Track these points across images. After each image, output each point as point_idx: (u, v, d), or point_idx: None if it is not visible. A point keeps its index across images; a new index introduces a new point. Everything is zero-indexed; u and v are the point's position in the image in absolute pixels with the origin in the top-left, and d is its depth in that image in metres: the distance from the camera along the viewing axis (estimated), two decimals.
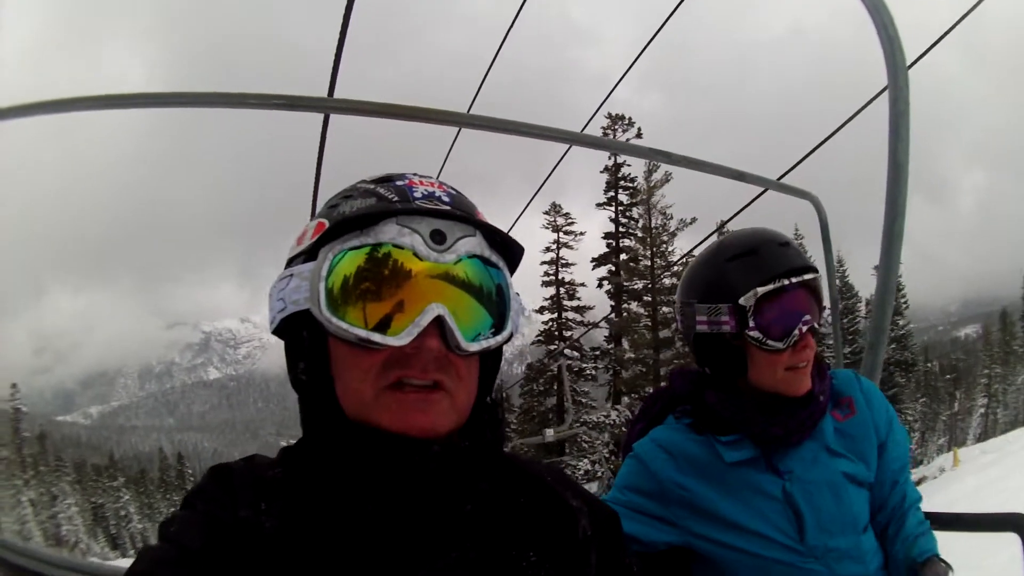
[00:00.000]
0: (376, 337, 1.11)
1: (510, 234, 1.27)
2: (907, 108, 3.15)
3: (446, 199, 1.23)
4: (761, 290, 2.04)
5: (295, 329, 1.23)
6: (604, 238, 45.04)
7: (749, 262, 2.11)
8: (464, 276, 1.19)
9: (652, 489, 2.20)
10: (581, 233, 45.03)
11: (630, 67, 6.08)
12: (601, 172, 43.72)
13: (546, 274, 46.37)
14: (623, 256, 43.42)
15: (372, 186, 1.25)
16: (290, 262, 1.26)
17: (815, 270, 2.11)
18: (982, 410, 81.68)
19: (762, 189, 4.63)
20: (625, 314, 42.53)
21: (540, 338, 46.90)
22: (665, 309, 41.58)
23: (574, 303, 46.13)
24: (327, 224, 1.19)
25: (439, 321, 1.13)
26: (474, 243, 1.20)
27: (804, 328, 2.05)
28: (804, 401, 2.12)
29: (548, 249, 46.28)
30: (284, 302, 1.20)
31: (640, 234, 43.17)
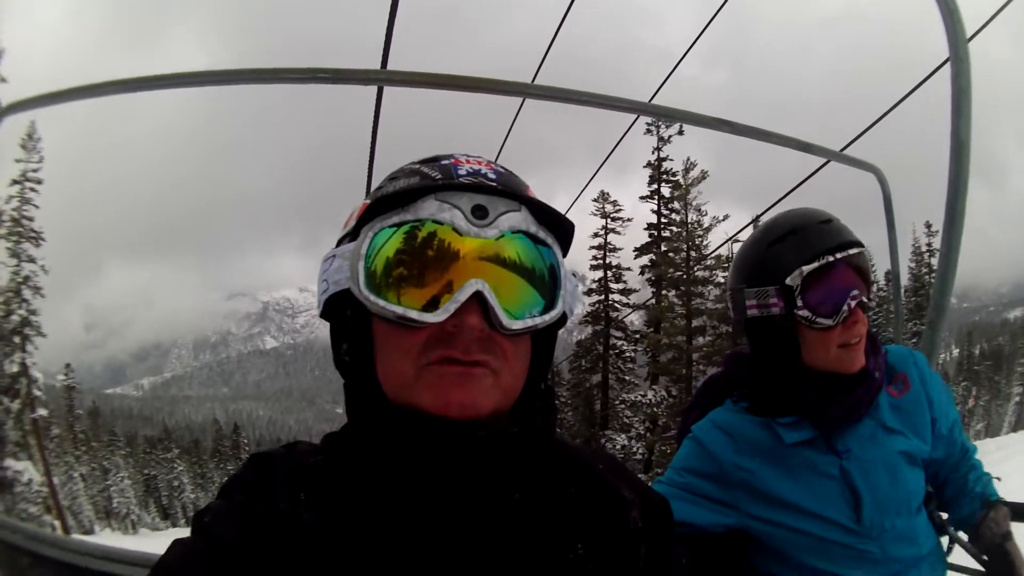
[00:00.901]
0: (413, 314, 1.08)
1: (561, 211, 1.21)
2: (968, 83, 3.11)
3: (492, 176, 1.18)
4: (806, 269, 2.04)
5: (340, 310, 1.21)
6: (646, 229, 45.35)
7: (792, 242, 2.10)
8: (509, 252, 1.14)
9: (712, 471, 2.19)
10: (629, 219, 45.80)
11: (695, 41, 5.98)
12: (644, 167, 44.37)
13: (594, 258, 46.60)
14: (663, 247, 44.39)
15: (417, 166, 1.22)
16: (338, 244, 1.23)
17: (860, 245, 2.07)
18: (1017, 398, 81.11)
19: (823, 161, 4.56)
20: (664, 302, 43.49)
21: (587, 319, 47.36)
22: (698, 300, 42.84)
23: (620, 286, 46.22)
24: (370, 203, 1.16)
25: (481, 298, 1.09)
26: (518, 218, 1.15)
27: (853, 303, 2.02)
28: (860, 379, 2.10)
29: (596, 234, 46.23)
30: (328, 283, 1.18)
31: (676, 228, 44.21)
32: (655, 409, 41.51)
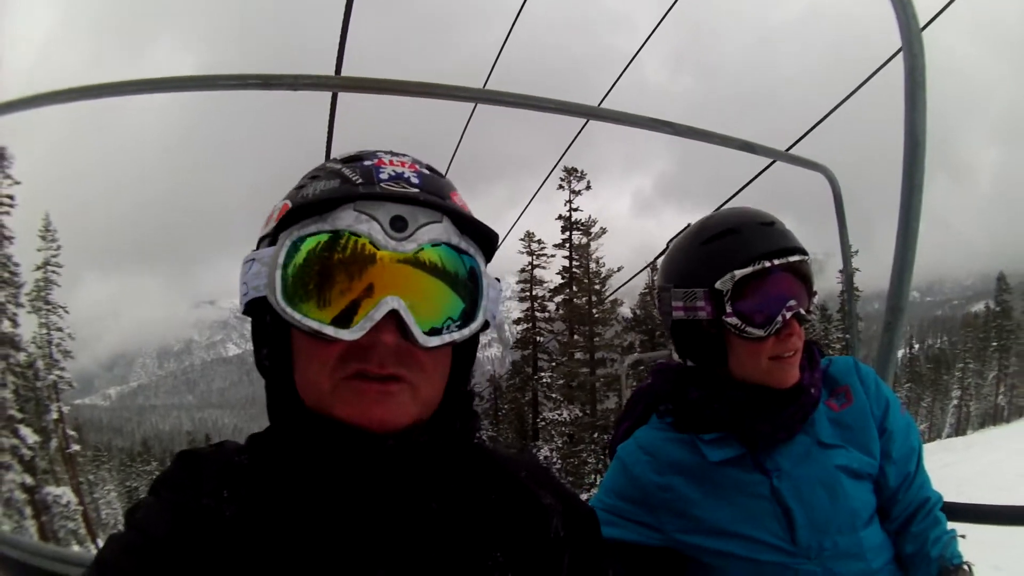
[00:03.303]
0: (328, 330, 1.07)
1: (482, 220, 1.20)
2: (923, 75, 3.05)
3: (415, 180, 1.17)
4: (739, 273, 1.90)
5: (260, 313, 1.20)
6: (558, 273, 52.15)
7: (727, 243, 1.96)
8: (427, 264, 1.13)
9: (634, 494, 2.11)
10: (552, 255, 53.13)
11: (644, 43, 5.89)
12: (556, 220, 51.41)
13: (522, 290, 53.68)
14: (574, 288, 51.39)
15: (339, 166, 1.19)
16: (259, 244, 1.22)
17: (803, 252, 1.94)
18: (955, 402, 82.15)
19: (769, 161, 4.47)
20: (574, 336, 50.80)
21: (518, 344, 54.49)
22: (598, 337, 50.50)
23: (545, 314, 53.16)
24: (290, 206, 1.14)
25: (397, 315, 1.08)
26: (439, 230, 1.13)
27: (788, 314, 1.90)
28: (793, 394, 1.98)
29: (523, 270, 53.27)
30: (247, 286, 1.16)
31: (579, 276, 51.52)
32: (570, 427, 47.11)
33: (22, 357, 38.15)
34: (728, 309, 1.92)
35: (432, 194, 1.15)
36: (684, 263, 2.06)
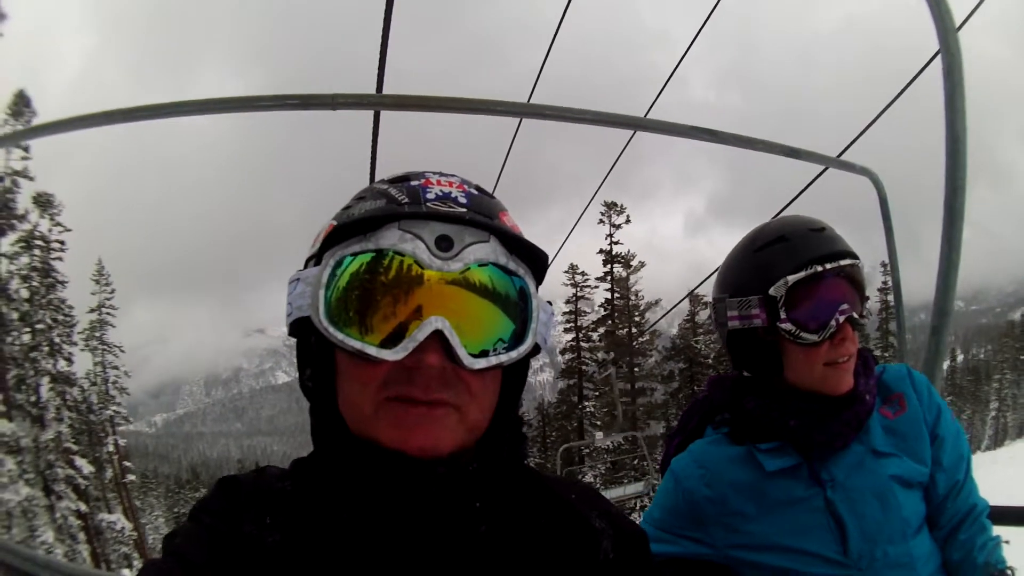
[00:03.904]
0: (371, 351, 1.06)
1: (533, 241, 1.18)
2: (961, 74, 2.93)
3: (463, 200, 1.15)
4: (792, 278, 1.90)
5: (305, 333, 1.18)
6: (601, 305, 53.73)
7: (779, 250, 1.96)
8: (475, 285, 1.11)
9: (686, 510, 2.10)
10: (596, 287, 54.18)
11: (686, 51, 5.98)
12: (597, 253, 52.84)
13: (567, 320, 54.33)
14: (616, 319, 53.27)
15: (386, 187, 1.19)
16: (305, 264, 1.21)
17: (854, 256, 1.93)
18: (993, 413, 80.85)
19: (821, 169, 4.44)
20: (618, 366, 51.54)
21: (563, 375, 55.33)
22: (637, 368, 52.47)
23: (589, 344, 53.67)
24: (336, 226, 1.14)
25: (442, 336, 1.06)
26: (487, 249, 1.11)
27: (841, 318, 1.89)
28: (848, 401, 1.97)
29: (568, 301, 54.19)
30: (291, 307, 1.16)
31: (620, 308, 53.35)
32: (612, 454, 48.26)
33: (76, 392, 39.52)
34: (782, 315, 1.92)
35: (480, 214, 1.14)
36: (738, 272, 2.06)
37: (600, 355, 53.00)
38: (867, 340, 61.19)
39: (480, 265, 1.11)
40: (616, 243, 52.49)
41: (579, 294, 53.73)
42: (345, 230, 1.11)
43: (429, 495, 1.08)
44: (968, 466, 2.09)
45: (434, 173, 1.22)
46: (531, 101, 4.54)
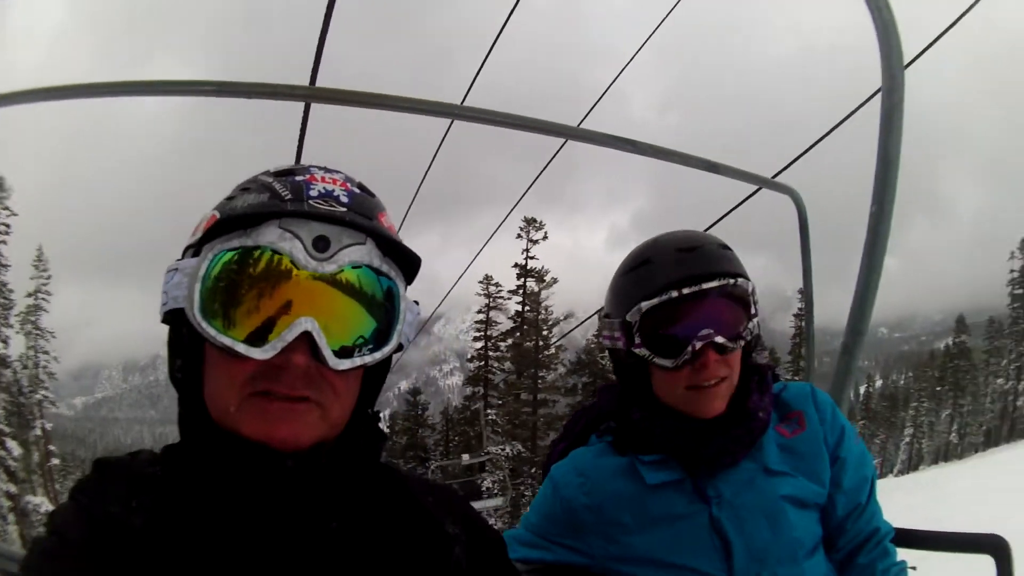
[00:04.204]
0: (241, 348, 1.07)
1: (407, 244, 1.24)
2: (901, 97, 2.89)
3: (345, 199, 1.17)
4: (645, 305, 1.86)
5: (179, 324, 1.18)
6: (510, 318, 55.46)
7: (640, 274, 1.93)
8: (345, 285, 1.14)
9: (564, 517, 2.06)
10: (508, 298, 55.95)
11: (629, 62, 6.06)
12: (512, 267, 54.45)
13: (477, 329, 57.06)
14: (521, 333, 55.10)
15: (271, 180, 1.19)
16: (184, 252, 1.21)
17: (727, 275, 1.86)
18: (907, 439, 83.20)
19: (753, 189, 4.34)
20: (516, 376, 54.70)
21: (469, 382, 58.69)
22: (542, 379, 54.38)
23: (497, 353, 55.67)
24: (218, 218, 1.14)
25: (310, 337, 1.09)
26: (362, 252, 1.15)
27: (698, 344, 1.82)
28: (738, 418, 1.92)
29: (480, 311, 56.31)
30: (167, 296, 1.16)
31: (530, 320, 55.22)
32: (512, 461, 48.68)
33: (9, 374, 41.02)
34: (636, 340, 1.90)
35: (360, 214, 1.17)
36: (610, 294, 2.05)
37: (507, 365, 54.83)
38: (778, 363, 62.73)
39: (354, 267, 1.14)
40: (532, 258, 54.33)
41: (492, 304, 55.77)
42: (227, 223, 1.12)
43: (278, 488, 1.10)
44: (872, 488, 2.06)
45: (319, 168, 1.24)
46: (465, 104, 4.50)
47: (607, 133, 3.45)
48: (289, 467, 1.10)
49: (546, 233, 54.22)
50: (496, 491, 43.89)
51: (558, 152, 6.20)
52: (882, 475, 64.18)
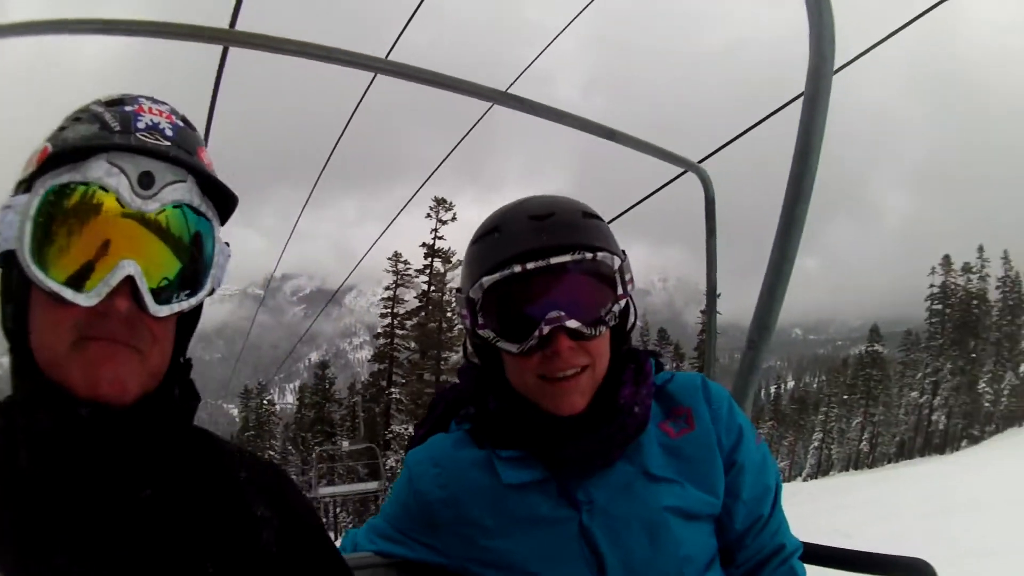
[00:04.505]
0: (68, 294, 1.05)
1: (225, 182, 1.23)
2: (829, 81, 2.68)
3: (169, 132, 1.17)
4: (487, 280, 1.59)
5: (10, 267, 1.13)
6: (416, 297, 55.67)
7: (487, 244, 1.65)
8: (165, 227, 1.13)
9: (418, 512, 1.81)
10: (416, 276, 55.88)
11: (564, 29, 6.07)
12: (420, 247, 54.35)
13: (384, 307, 56.77)
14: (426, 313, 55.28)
15: (101, 109, 1.17)
16: (16, 188, 1.15)
17: (584, 247, 1.56)
18: (816, 444, 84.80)
19: (674, 174, 4.13)
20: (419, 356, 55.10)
21: (375, 359, 58.32)
22: (444, 360, 54.50)
23: (403, 332, 55.80)
24: (50, 150, 1.11)
25: (132, 281, 1.07)
26: (183, 190, 1.14)
27: (547, 328, 1.54)
28: (608, 415, 1.65)
29: (388, 287, 56.49)
30: (0, 237, 1.09)
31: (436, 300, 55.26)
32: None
33: None
34: (480, 320, 1.65)
35: (183, 149, 1.16)
36: (464, 265, 1.77)
37: (412, 344, 54.96)
38: (683, 359, 62.87)
39: (175, 206, 1.13)
40: (440, 238, 54.32)
41: (400, 282, 55.93)
42: (58, 157, 1.09)
43: (79, 441, 1.07)
44: (776, 499, 1.82)
45: (147, 99, 1.22)
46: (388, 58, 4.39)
47: (498, 89, 3.37)
48: (82, 416, 1.06)
49: (455, 214, 54.28)
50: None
51: (481, 117, 6.18)
52: (790, 479, 64.94)
